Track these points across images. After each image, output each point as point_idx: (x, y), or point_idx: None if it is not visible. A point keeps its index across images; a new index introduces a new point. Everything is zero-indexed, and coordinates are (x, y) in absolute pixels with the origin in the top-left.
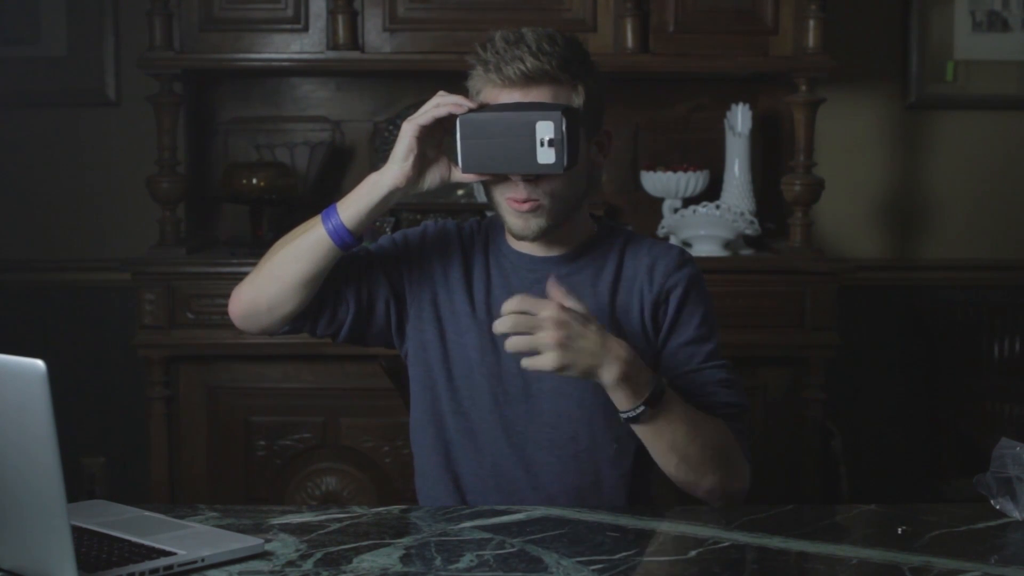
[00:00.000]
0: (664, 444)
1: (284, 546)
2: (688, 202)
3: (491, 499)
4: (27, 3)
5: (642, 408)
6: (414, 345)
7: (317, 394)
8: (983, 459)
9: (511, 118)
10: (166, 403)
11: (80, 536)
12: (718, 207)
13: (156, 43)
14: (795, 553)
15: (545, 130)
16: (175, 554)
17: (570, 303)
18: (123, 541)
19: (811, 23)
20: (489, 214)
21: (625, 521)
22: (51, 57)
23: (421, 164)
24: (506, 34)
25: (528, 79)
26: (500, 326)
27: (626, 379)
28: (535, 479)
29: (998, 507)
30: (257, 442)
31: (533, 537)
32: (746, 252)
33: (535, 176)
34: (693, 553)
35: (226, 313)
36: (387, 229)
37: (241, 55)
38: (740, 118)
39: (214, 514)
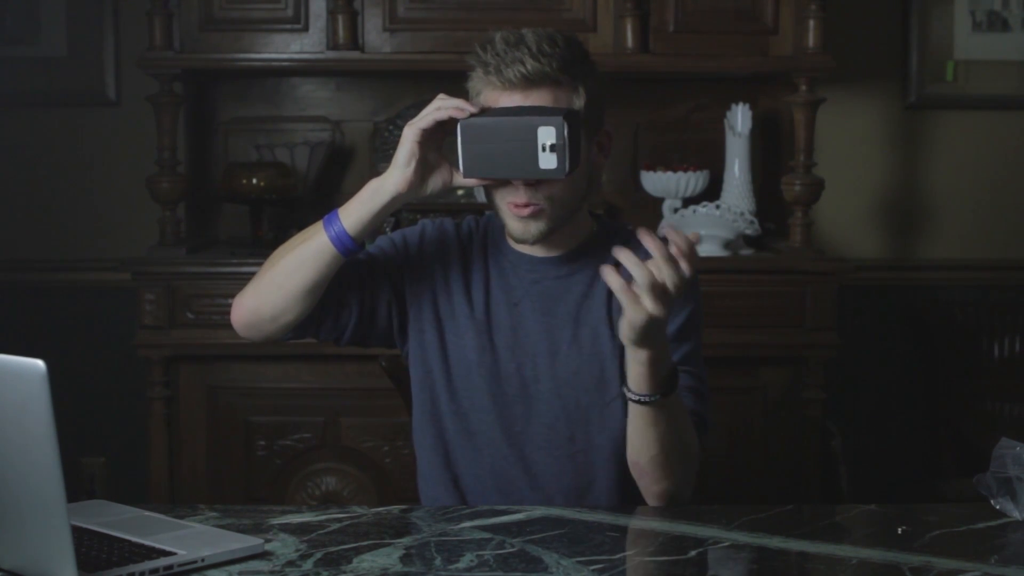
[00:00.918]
0: (653, 435)
1: (284, 546)
2: (688, 202)
3: (491, 499)
4: (27, 3)
5: (657, 396)
6: (414, 346)
7: (317, 394)
8: (983, 459)
9: (512, 123)
10: (166, 403)
11: (80, 536)
12: (718, 207)
13: (156, 43)
14: (795, 553)
15: (547, 135)
16: (175, 554)
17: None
18: (123, 541)
19: (811, 23)
20: (488, 213)
21: (625, 521)
22: (51, 57)
23: (423, 169)
24: (506, 35)
25: (529, 81)
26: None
27: (656, 362)
28: (534, 479)
29: (998, 507)
30: (257, 442)
31: (533, 537)
32: (746, 252)
33: (536, 180)
34: (693, 553)
35: (226, 313)
36: (387, 229)
37: (241, 55)
38: (740, 118)
39: (214, 514)
